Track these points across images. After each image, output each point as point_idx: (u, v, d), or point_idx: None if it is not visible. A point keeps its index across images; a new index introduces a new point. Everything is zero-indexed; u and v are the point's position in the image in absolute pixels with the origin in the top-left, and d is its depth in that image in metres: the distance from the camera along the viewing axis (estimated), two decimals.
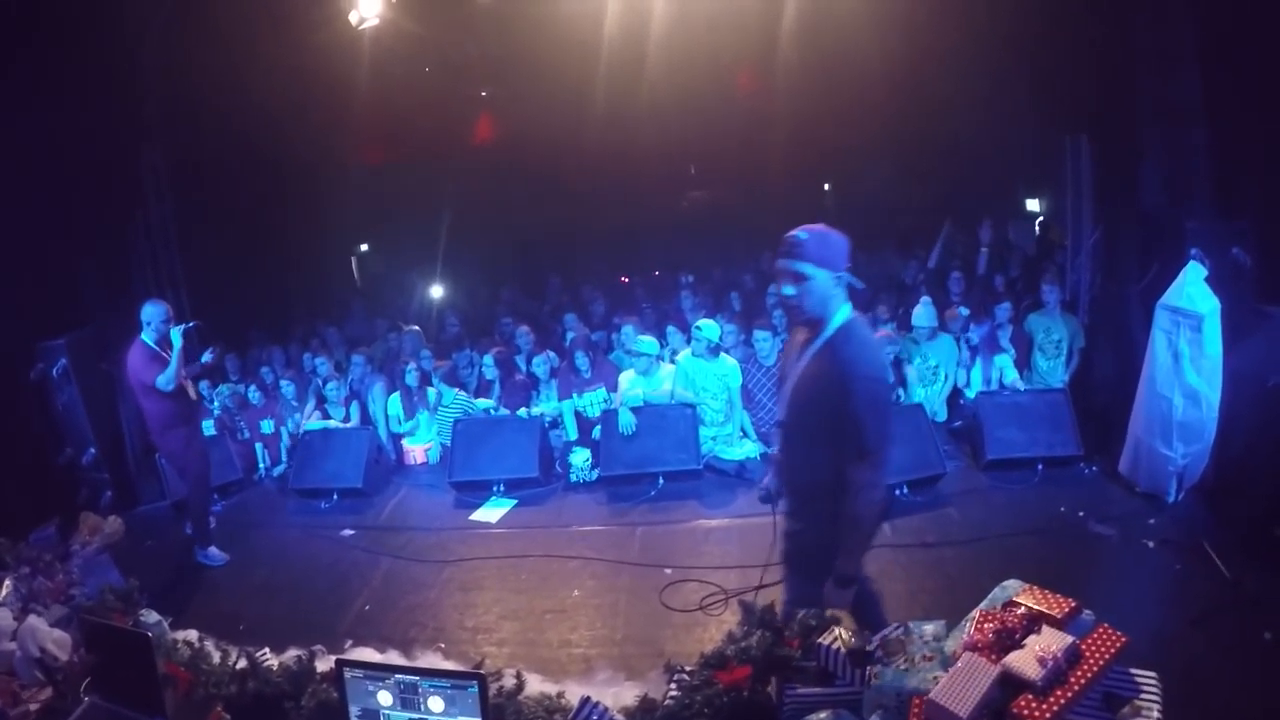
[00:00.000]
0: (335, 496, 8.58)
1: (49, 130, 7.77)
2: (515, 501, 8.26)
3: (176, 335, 7.25)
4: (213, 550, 7.53)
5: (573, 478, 8.59)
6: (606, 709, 3.14)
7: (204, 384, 9.63)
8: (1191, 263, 6.56)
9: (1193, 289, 6.50)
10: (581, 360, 9.08)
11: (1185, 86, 7.25)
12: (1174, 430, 6.76)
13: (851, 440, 3.60)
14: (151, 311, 7.29)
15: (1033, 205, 13.82)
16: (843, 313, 3.73)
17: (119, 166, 9.11)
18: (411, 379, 9.42)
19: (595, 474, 8.53)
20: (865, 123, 12.15)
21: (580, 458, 8.62)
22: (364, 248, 16.51)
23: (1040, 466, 7.79)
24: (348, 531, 7.96)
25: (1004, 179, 13.09)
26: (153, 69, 8.99)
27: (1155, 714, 2.82)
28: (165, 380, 7.10)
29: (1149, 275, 7.44)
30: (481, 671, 3.13)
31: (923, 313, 8.85)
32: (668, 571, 6.66)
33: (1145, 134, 7.69)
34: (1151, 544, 6.41)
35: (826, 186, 16.47)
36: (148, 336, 7.23)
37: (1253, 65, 6.73)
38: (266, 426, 9.67)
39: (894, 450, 7.04)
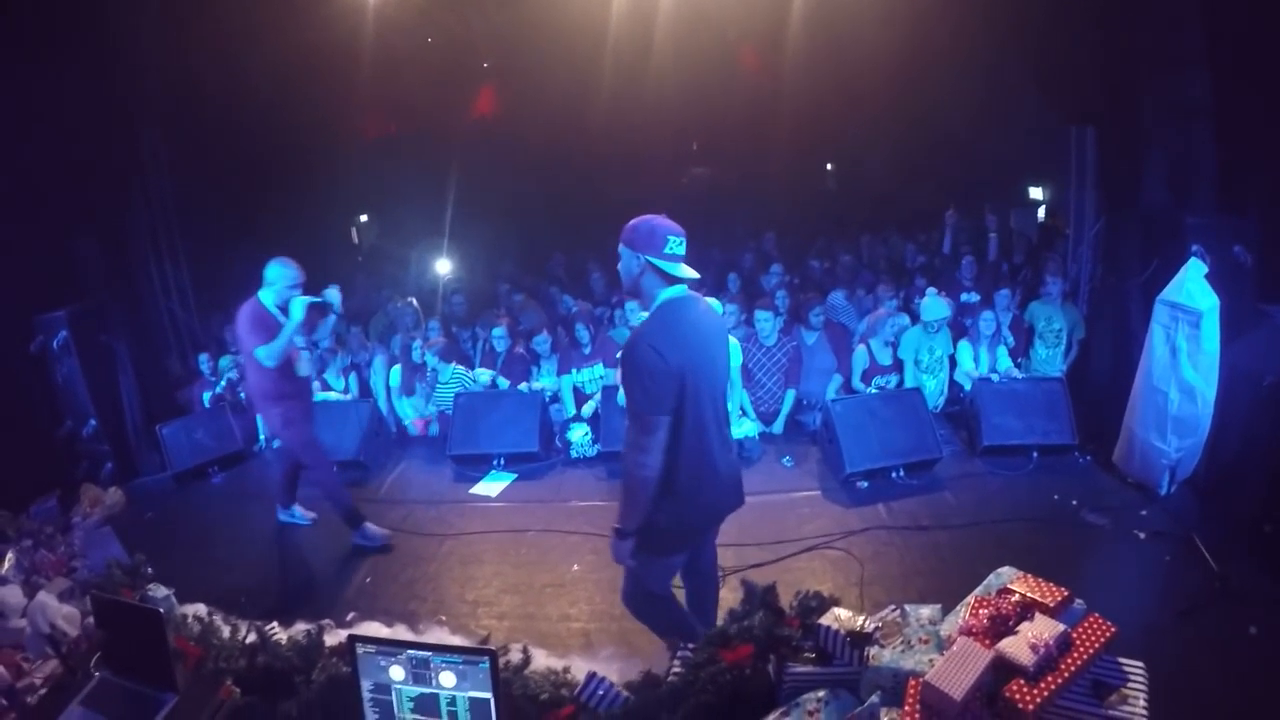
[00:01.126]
0: (335, 469, 8.61)
1: (48, 104, 7.79)
2: (515, 476, 8.32)
3: (299, 306, 6.46)
4: (368, 528, 7.09)
5: (573, 454, 8.63)
6: (612, 684, 3.20)
7: (204, 356, 9.66)
8: (1192, 259, 6.59)
9: (1193, 285, 6.54)
10: (582, 333, 9.12)
11: (1192, 84, 7.29)
12: (1169, 424, 6.82)
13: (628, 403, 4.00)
14: (279, 273, 6.57)
15: (1036, 193, 13.84)
16: (663, 294, 4.05)
17: (118, 139, 9.15)
18: (417, 355, 9.44)
19: (596, 449, 8.57)
20: (870, 105, 12.19)
21: (579, 434, 8.65)
22: (363, 218, 16.52)
23: (1035, 454, 7.86)
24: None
25: (1008, 166, 13.10)
26: (152, 41, 8.95)
27: (1141, 703, 2.89)
28: (268, 354, 6.41)
29: (1149, 270, 7.48)
30: (493, 648, 3.18)
31: (932, 305, 8.83)
32: None
33: (1150, 129, 7.73)
34: (1143, 535, 6.47)
35: (829, 167, 16.48)
36: (266, 298, 6.55)
37: (1259, 65, 6.76)
38: None
39: (889, 433, 7.14)
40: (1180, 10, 7.25)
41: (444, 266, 12.63)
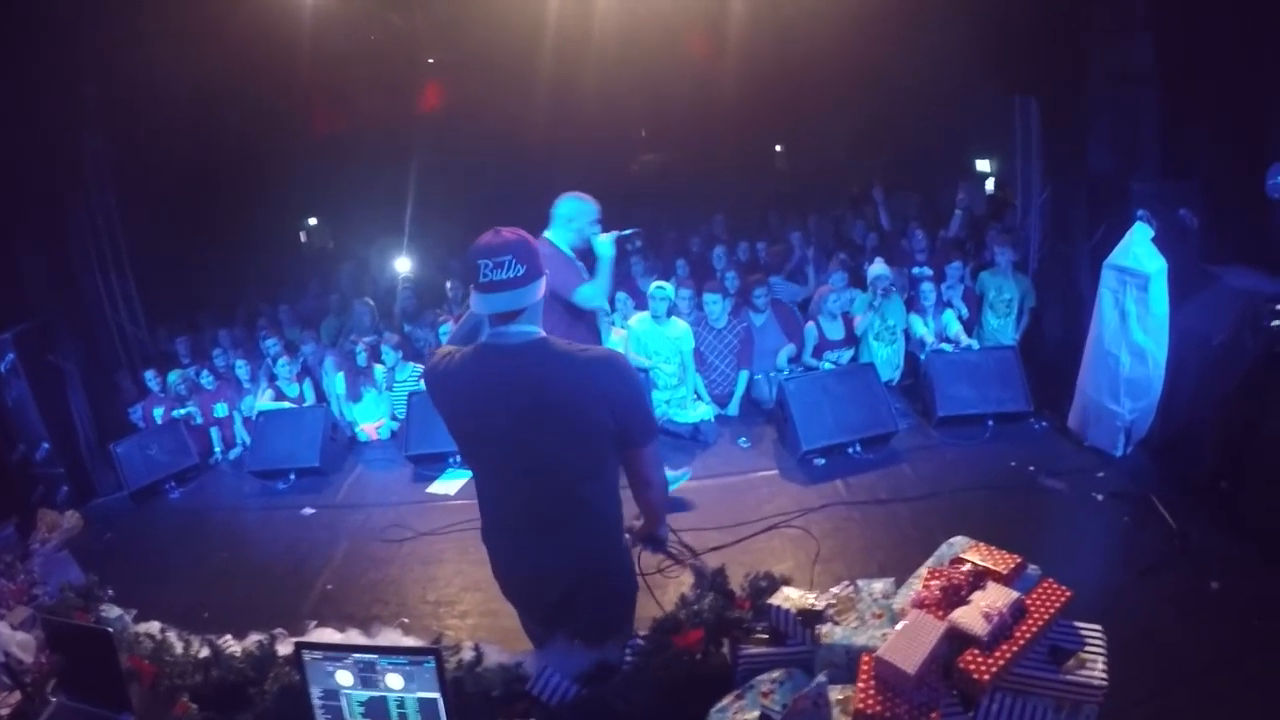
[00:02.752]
0: (293, 476, 8.53)
1: None
2: (472, 473, 8.22)
3: (607, 243, 5.76)
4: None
5: None
6: (564, 677, 3.16)
7: (150, 373, 9.51)
8: (1138, 223, 6.64)
9: (1139, 249, 6.58)
10: None
11: (1135, 51, 7.33)
12: (1121, 386, 6.87)
13: None
14: (578, 208, 5.82)
15: (983, 166, 13.91)
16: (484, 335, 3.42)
17: (58, 150, 8.96)
18: (362, 358, 9.35)
19: None
20: (817, 84, 12.17)
21: None
22: (312, 221, 16.37)
23: (991, 423, 7.90)
24: (308, 510, 7.93)
25: (955, 139, 13.17)
26: (91, 47, 8.78)
27: (1100, 665, 2.87)
28: (594, 294, 5.74)
29: (1097, 235, 7.54)
30: (437, 646, 3.13)
31: (877, 269, 8.95)
32: (625, 538, 6.67)
33: (1094, 97, 7.76)
34: (1100, 497, 6.52)
35: (779, 148, 16.50)
36: (559, 238, 5.81)
37: (1201, 31, 6.83)
38: (220, 410, 9.56)
39: (844, 408, 7.14)
40: None
41: (399, 265, 12.56)
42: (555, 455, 3.33)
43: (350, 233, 14.02)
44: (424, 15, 11.47)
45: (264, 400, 9.36)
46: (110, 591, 4.37)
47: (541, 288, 3.27)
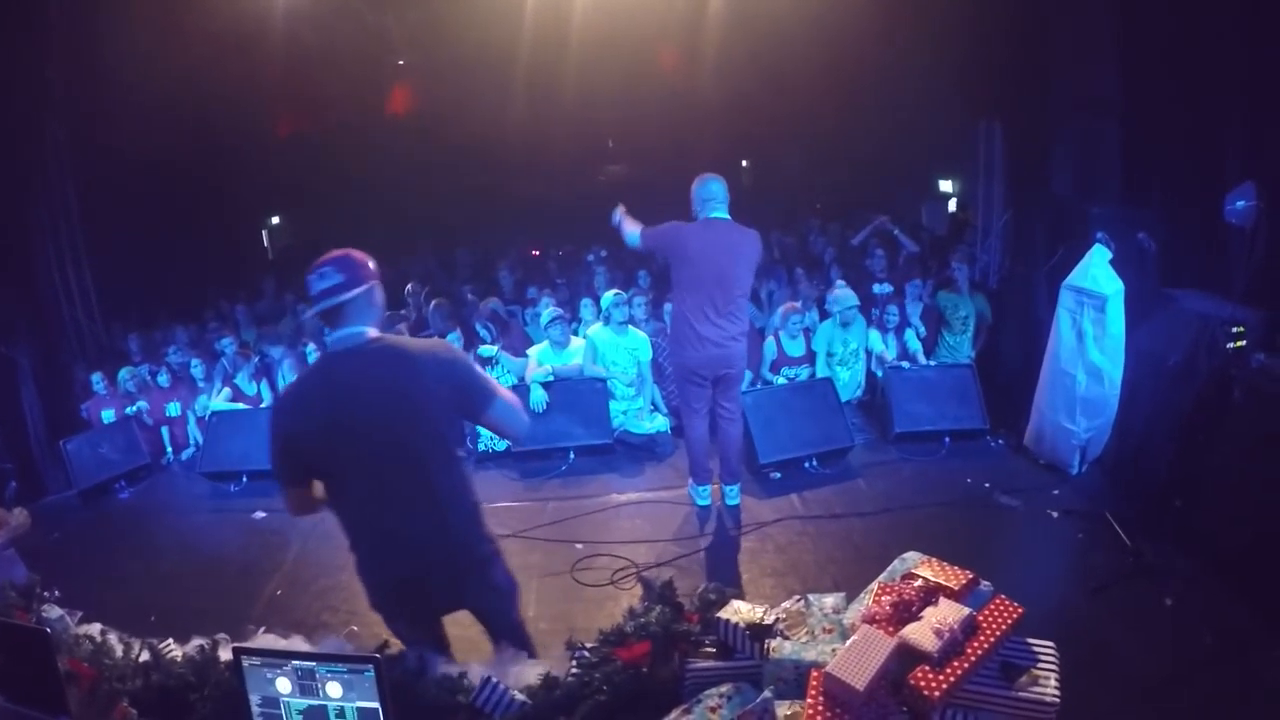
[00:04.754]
0: (245, 479, 8.40)
1: None
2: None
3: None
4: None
5: (481, 447, 8.52)
6: (507, 688, 3.11)
7: (97, 375, 9.35)
8: (1097, 245, 6.71)
9: (1098, 270, 6.65)
10: (482, 332, 9.06)
11: (1097, 79, 7.42)
12: (1077, 405, 6.92)
13: None
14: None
15: (945, 186, 14.00)
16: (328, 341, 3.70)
17: (18, 137, 8.80)
18: (312, 358, 9.23)
19: (505, 444, 8.44)
20: (784, 102, 12.23)
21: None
22: (275, 220, 16.23)
23: (947, 439, 7.93)
24: (259, 514, 7.80)
25: (918, 159, 13.24)
26: (56, 33, 8.65)
27: (1053, 682, 2.87)
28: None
29: (1056, 257, 7.60)
30: (377, 655, 3.07)
31: (841, 296, 8.85)
32: (578, 547, 6.65)
33: (1057, 122, 7.87)
34: (1055, 514, 6.56)
35: (744, 164, 16.55)
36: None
37: (1162, 60, 6.92)
38: (173, 409, 9.39)
39: (801, 423, 7.16)
40: (1086, 6, 7.37)
41: None
42: (413, 441, 3.60)
43: (313, 234, 13.87)
44: (396, 16, 11.43)
45: (219, 400, 9.22)
46: (56, 592, 4.29)
47: (361, 291, 3.61)
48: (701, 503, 7.08)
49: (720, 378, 6.65)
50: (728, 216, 6.61)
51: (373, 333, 3.62)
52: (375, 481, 3.63)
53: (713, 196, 6.53)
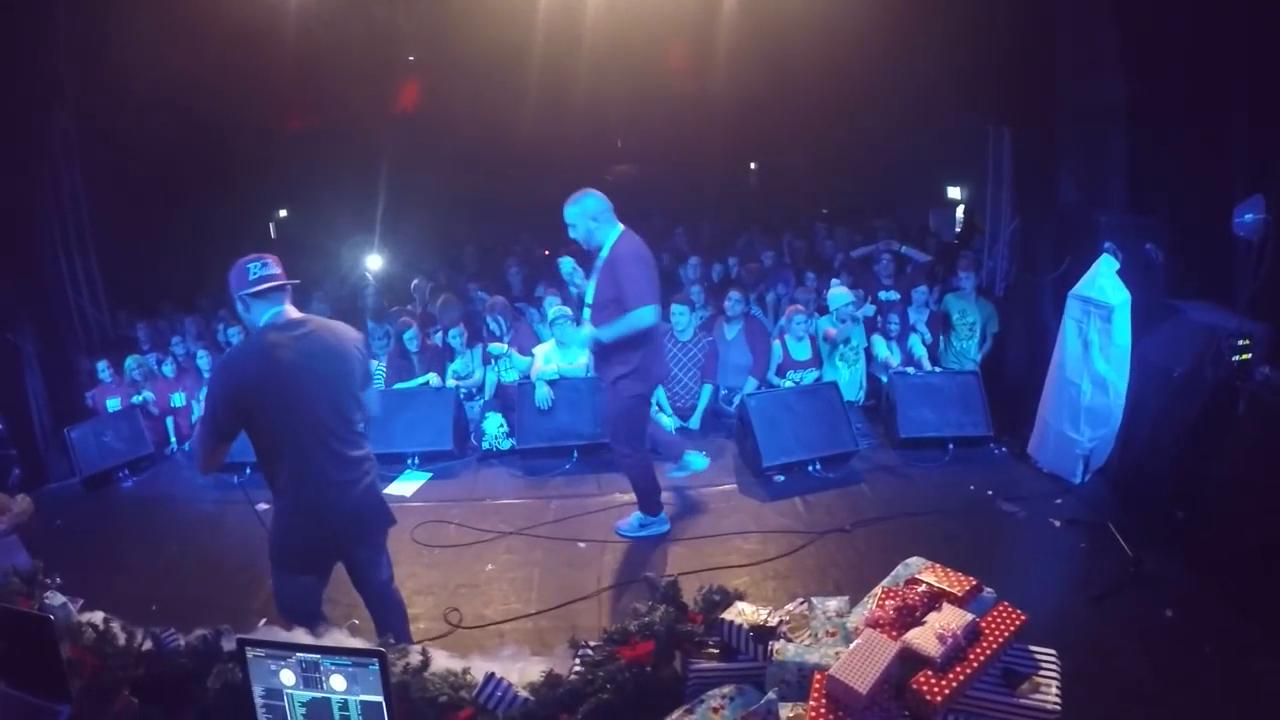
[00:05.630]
0: (248, 470, 8.38)
1: None
2: (430, 475, 8.19)
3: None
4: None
5: (485, 445, 8.54)
6: (510, 685, 3.11)
7: (103, 364, 9.35)
8: (1104, 255, 6.72)
9: (1105, 280, 6.66)
10: (494, 325, 9.08)
11: (1105, 88, 7.40)
12: (1081, 415, 6.94)
13: None
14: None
15: (954, 192, 13.99)
16: (263, 319, 4.27)
17: (27, 125, 8.79)
18: None
19: (509, 443, 8.49)
20: (794, 105, 12.23)
21: (494, 424, 8.55)
22: (283, 213, 16.22)
23: (951, 446, 7.93)
24: (262, 506, 7.74)
25: (927, 166, 13.24)
26: (68, 25, 8.64)
27: (1054, 690, 2.87)
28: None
29: (1063, 266, 7.59)
30: (382, 649, 3.08)
31: (836, 295, 8.94)
32: (581, 545, 6.66)
33: (1065, 131, 7.87)
34: (1058, 523, 6.57)
35: (753, 165, 16.56)
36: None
37: (1170, 70, 6.90)
38: (177, 399, 9.39)
39: (805, 427, 7.16)
40: (1094, 15, 7.36)
41: (370, 263, 12.46)
42: (345, 399, 4.34)
43: (321, 227, 13.86)
44: (406, 12, 11.42)
45: None
46: (58, 579, 4.29)
47: (288, 281, 4.35)
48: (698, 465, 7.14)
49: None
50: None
51: (294, 312, 4.33)
52: (315, 435, 4.23)
53: (607, 206, 6.22)
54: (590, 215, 6.13)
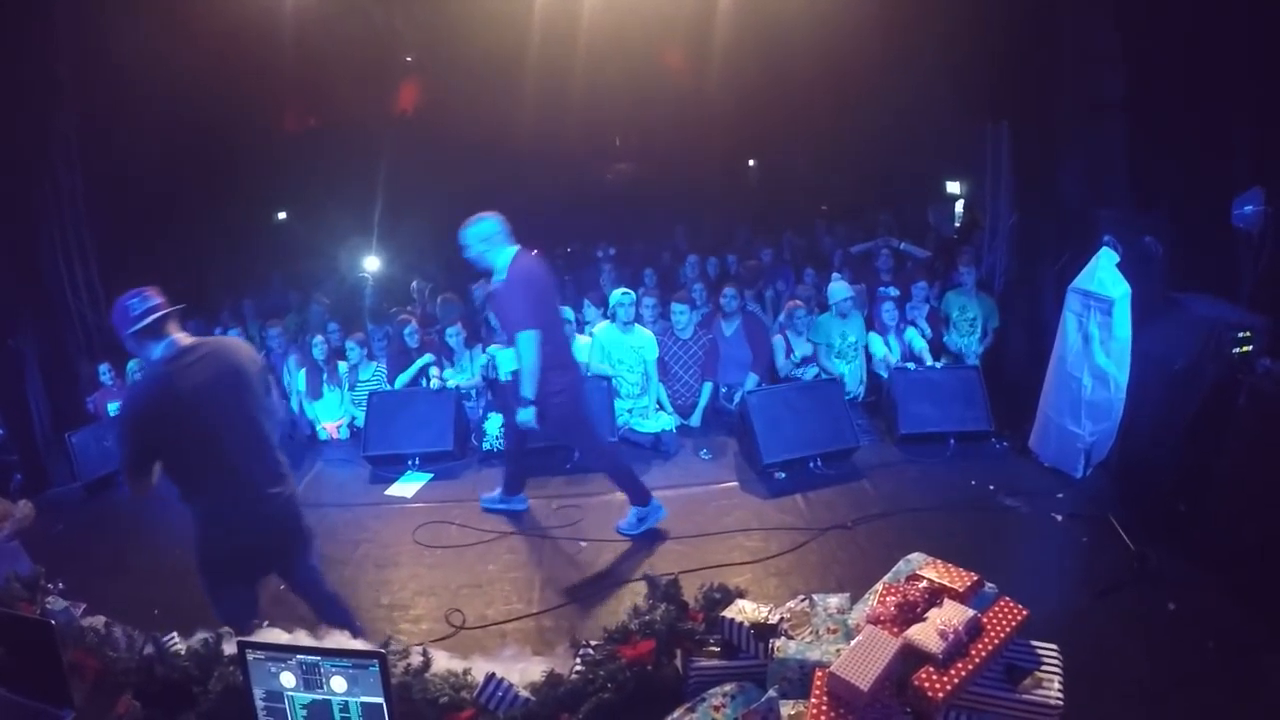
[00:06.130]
0: None
1: None
2: (431, 475, 8.16)
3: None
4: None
5: (485, 445, 8.51)
6: (511, 685, 3.11)
7: (104, 366, 9.33)
8: (1104, 249, 6.69)
9: (1104, 274, 6.63)
10: (494, 320, 9.02)
11: (1106, 82, 7.39)
12: (1083, 409, 6.91)
13: None
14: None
15: (953, 187, 13.98)
16: (154, 353, 4.31)
17: (27, 128, 8.77)
18: (319, 352, 9.24)
19: None
20: (794, 102, 12.21)
21: (495, 424, 8.51)
22: (282, 216, 16.20)
23: (952, 441, 7.92)
24: None
25: (926, 161, 13.23)
26: (68, 27, 8.62)
27: (1056, 685, 2.87)
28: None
29: (1062, 259, 7.58)
30: (382, 650, 3.08)
31: (835, 288, 8.97)
32: (582, 545, 6.66)
33: (1065, 124, 7.84)
34: (1060, 518, 6.56)
35: (751, 163, 16.55)
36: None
37: (1170, 64, 6.89)
38: None
39: (806, 423, 7.16)
40: (1094, 9, 7.35)
41: (368, 264, 12.46)
42: (251, 412, 4.43)
43: (321, 229, 13.86)
44: (405, 13, 11.42)
45: None
46: (60, 584, 4.31)
47: (170, 309, 4.35)
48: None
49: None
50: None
51: (185, 338, 4.36)
52: (226, 456, 4.35)
53: (501, 229, 6.38)
54: (482, 238, 6.31)
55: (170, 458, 4.31)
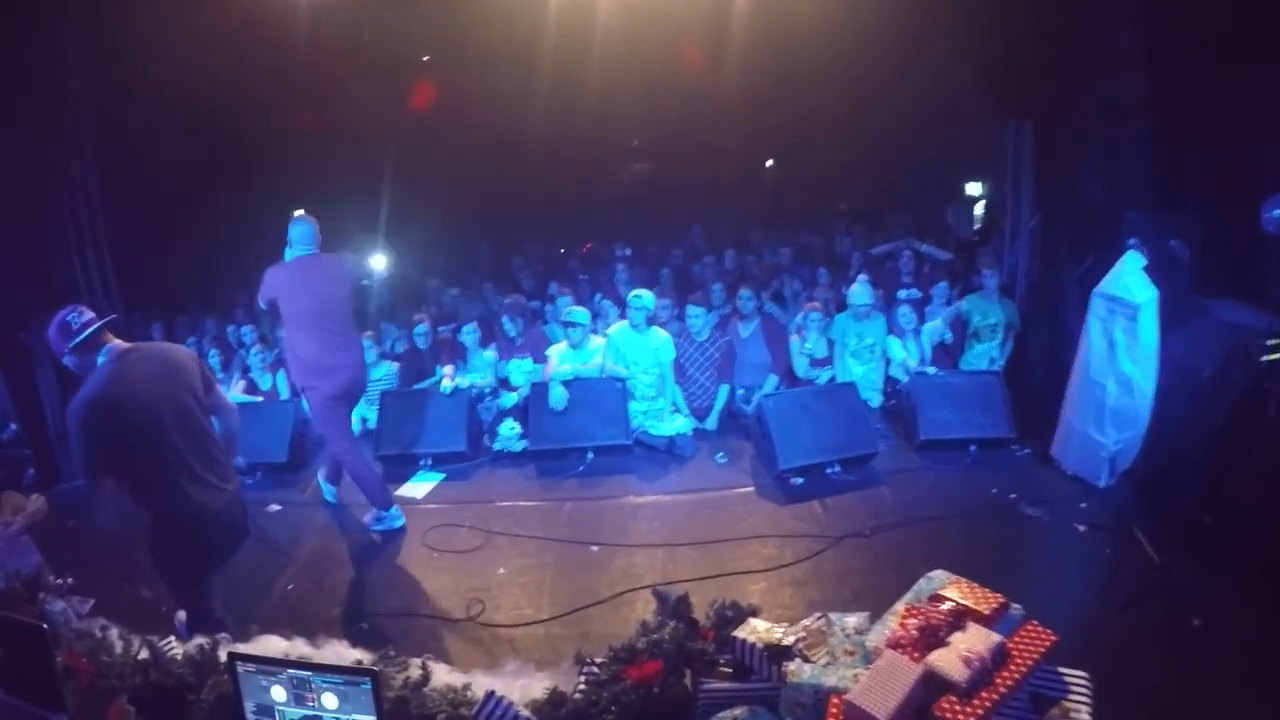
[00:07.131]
0: (259, 473, 8.36)
1: None
2: (443, 476, 8.11)
3: None
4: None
5: (497, 447, 8.44)
6: (511, 704, 3.01)
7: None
8: (1130, 252, 6.58)
9: (1130, 278, 6.51)
10: (509, 325, 9.02)
11: (1130, 82, 7.26)
12: (1107, 416, 6.79)
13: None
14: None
15: (973, 189, 13.86)
16: (100, 358, 4.51)
17: (39, 126, 8.73)
18: None
19: (523, 445, 8.38)
20: (809, 101, 12.13)
21: (508, 425, 8.46)
22: (298, 213, 16.21)
23: (972, 448, 7.79)
24: (273, 507, 7.75)
25: (947, 161, 13.12)
26: (79, 24, 8.58)
27: (1084, 715, 2.76)
28: None
29: (1086, 263, 7.45)
30: (374, 668, 3.01)
31: (858, 291, 8.84)
32: (594, 549, 6.58)
33: (1088, 124, 7.72)
34: (1082, 528, 6.43)
35: (769, 163, 16.49)
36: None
37: (1195, 64, 6.76)
38: None
39: (823, 428, 7.06)
40: (1118, 9, 7.22)
41: (376, 263, 12.40)
42: (192, 409, 4.61)
43: (334, 227, 13.84)
44: (420, 13, 11.36)
45: (235, 392, 9.18)
46: (69, 579, 4.34)
47: (103, 320, 4.60)
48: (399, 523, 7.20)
49: (353, 399, 7.24)
50: (316, 252, 6.98)
51: (123, 344, 4.57)
52: (174, 452, 4.47)
53: (301, 238, 6.89)
54: (290, 238, 6.99)
55: (121, 456, 4.38)
